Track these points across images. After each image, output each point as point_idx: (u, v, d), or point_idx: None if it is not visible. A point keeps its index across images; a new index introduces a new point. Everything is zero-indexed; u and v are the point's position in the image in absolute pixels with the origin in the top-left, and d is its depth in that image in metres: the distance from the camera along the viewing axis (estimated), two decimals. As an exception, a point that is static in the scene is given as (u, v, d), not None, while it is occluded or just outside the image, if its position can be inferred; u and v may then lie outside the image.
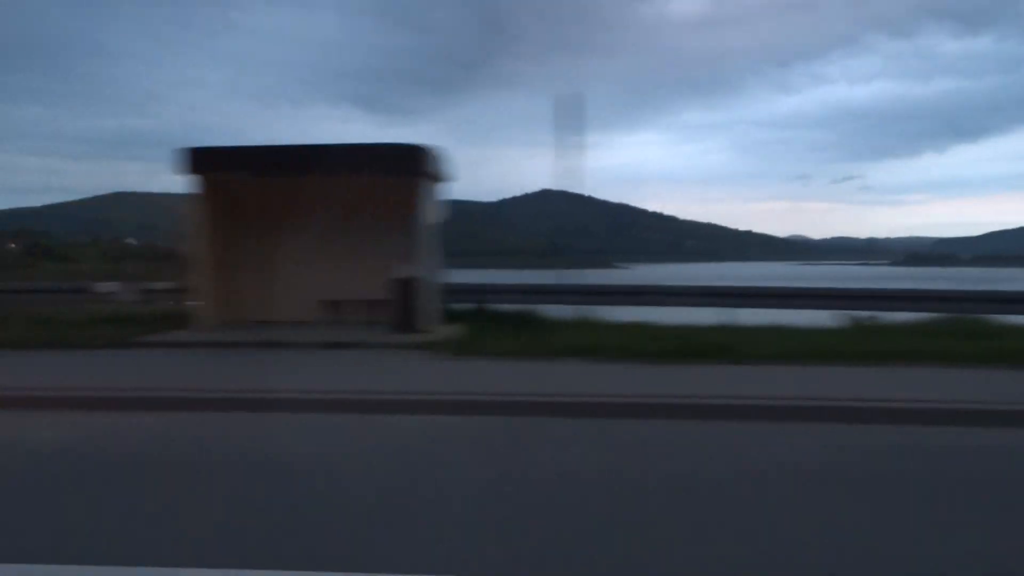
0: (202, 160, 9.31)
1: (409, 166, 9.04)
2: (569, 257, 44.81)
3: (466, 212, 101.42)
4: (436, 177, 9.50)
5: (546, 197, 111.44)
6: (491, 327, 9.06)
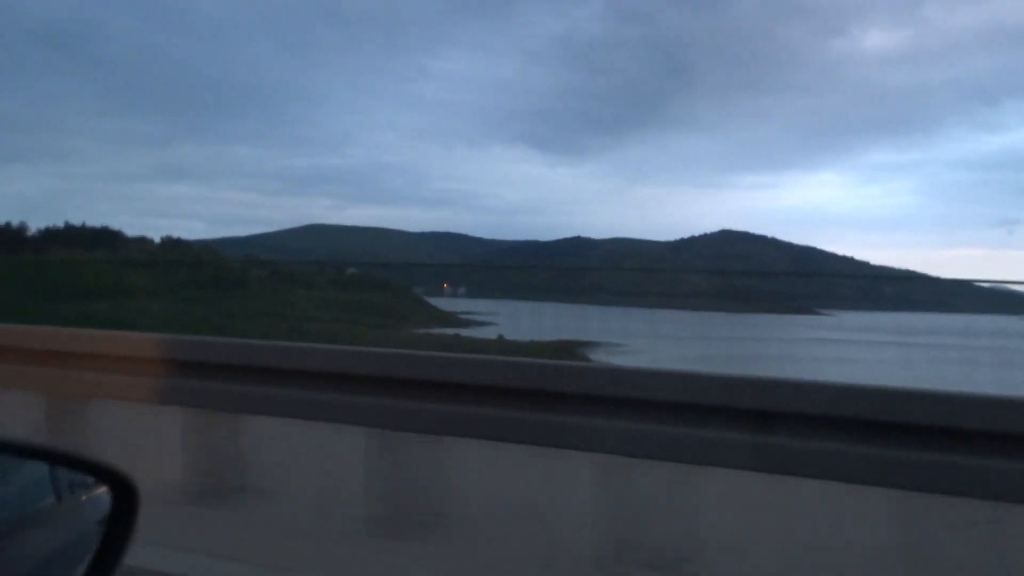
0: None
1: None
2: (761, 301, 43.41)
3: (641, 251, 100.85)
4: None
5: (726, 238, 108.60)
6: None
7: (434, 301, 32.67)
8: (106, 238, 27.45)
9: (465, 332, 22.94)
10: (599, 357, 22.90)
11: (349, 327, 22.66)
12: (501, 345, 21.62)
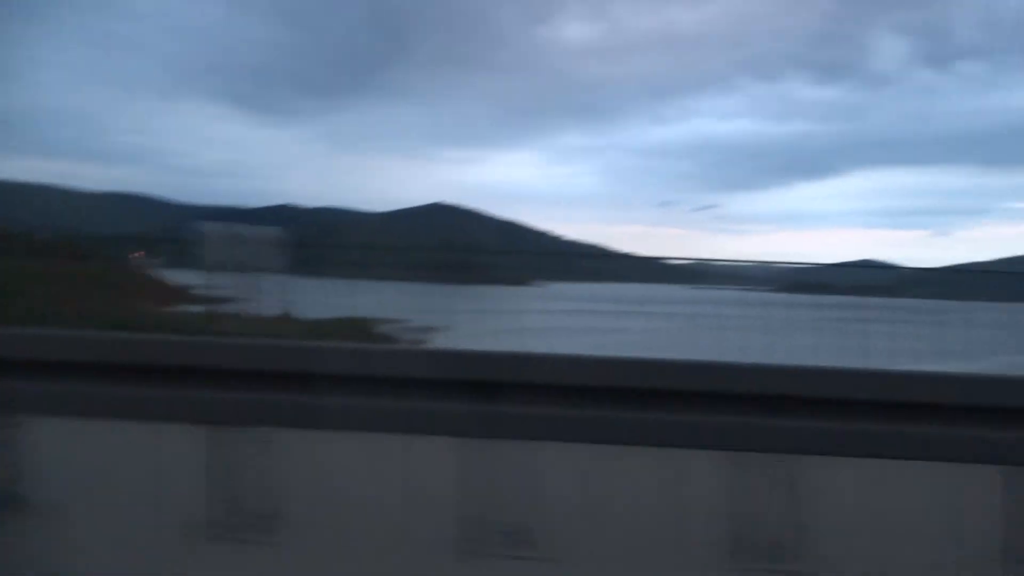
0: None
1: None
2: (483, 271, 45.94)
3: (354, 222, 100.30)
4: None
5: (438, 210, 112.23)
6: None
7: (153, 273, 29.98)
8: None
9: (222, 309, 21.49)
10: (403, 335, 22.92)
11: (81, 305, 20.16)
12: (296, 324, 20.78)
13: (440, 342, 20.47)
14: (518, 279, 47.72)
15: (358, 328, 21.17)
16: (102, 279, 26.70)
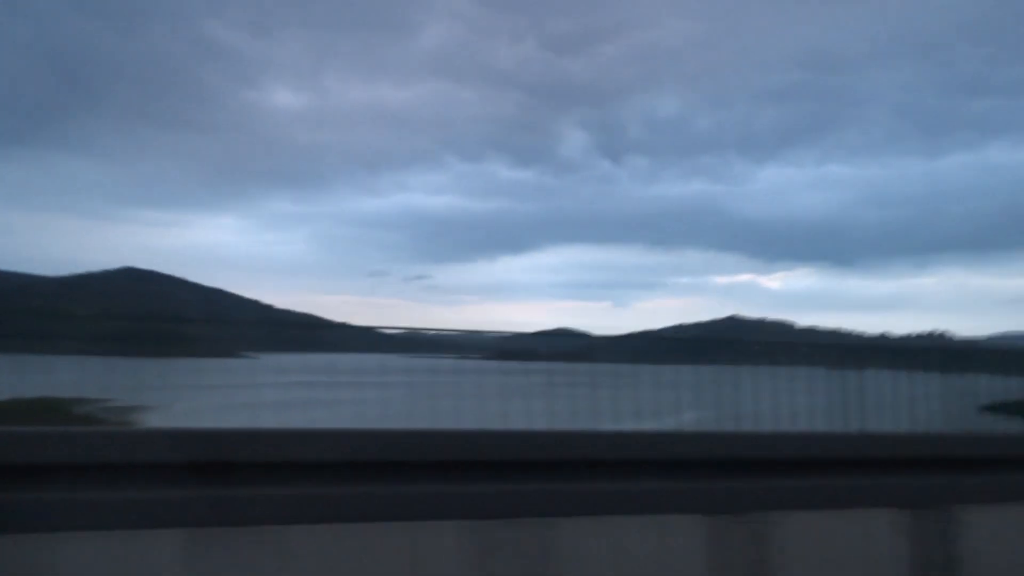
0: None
1: None
2: (186, 342, 42.62)
3: (27, 287, 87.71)
4: None
5: (130, 275, 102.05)
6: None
7: None
8: None
9: None
10: (107, 416, 19.89)
11: None
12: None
13: (153, 422, 18.42)
14: (226, 351, 44.96)
15: (53, 410, 18.37)
16: None
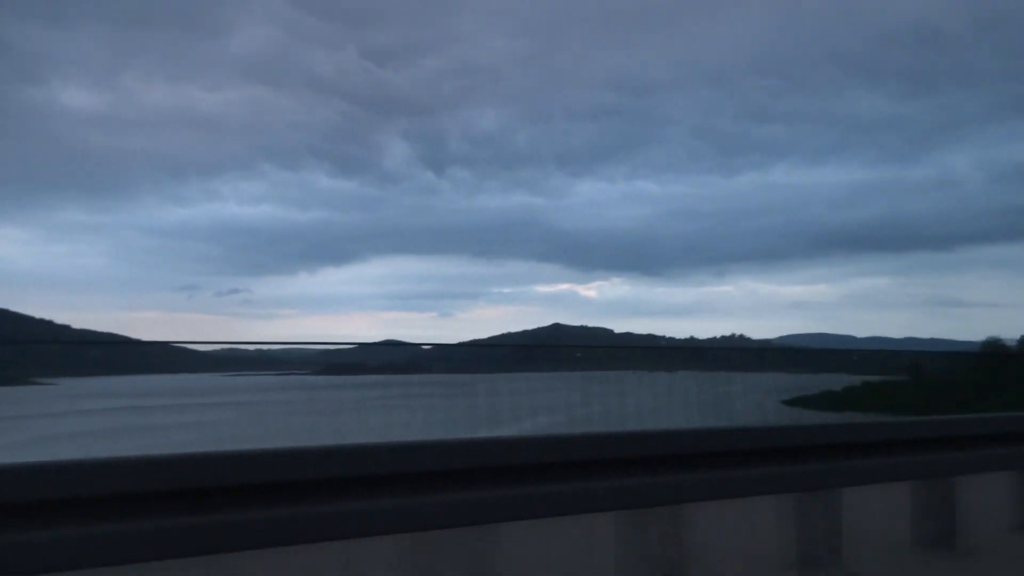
0: None
1: None
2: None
3: None
4: None
5: None
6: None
7: None
8: None
9: None
10: None
11: None
12: None
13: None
14: (19, 378, 40.32)
15: None
16: None
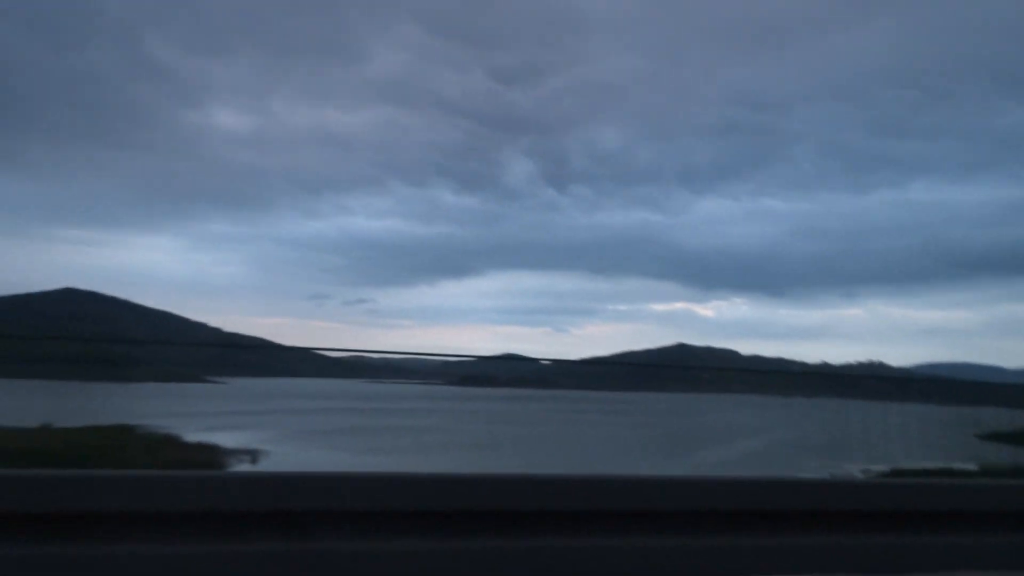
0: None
1: None
2: (146, 368, 41.84)
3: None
4: None
5: (71, 297, 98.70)
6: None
7: None
8: None
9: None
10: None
11: None
12: (49, 435, 16.80)
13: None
14: (189, 375, 44.16)
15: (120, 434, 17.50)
16: None
